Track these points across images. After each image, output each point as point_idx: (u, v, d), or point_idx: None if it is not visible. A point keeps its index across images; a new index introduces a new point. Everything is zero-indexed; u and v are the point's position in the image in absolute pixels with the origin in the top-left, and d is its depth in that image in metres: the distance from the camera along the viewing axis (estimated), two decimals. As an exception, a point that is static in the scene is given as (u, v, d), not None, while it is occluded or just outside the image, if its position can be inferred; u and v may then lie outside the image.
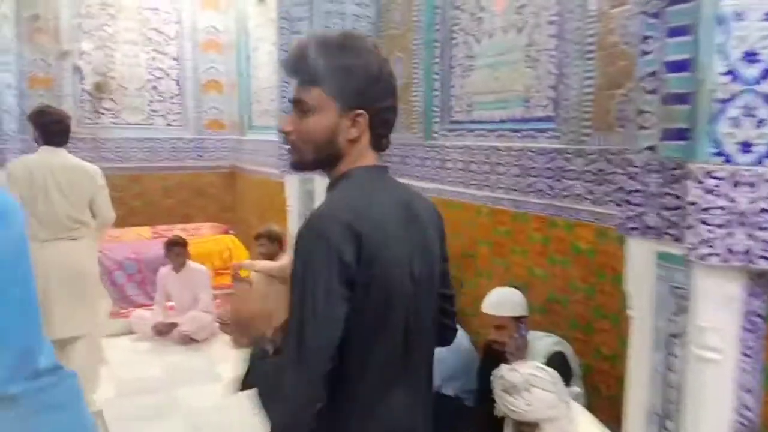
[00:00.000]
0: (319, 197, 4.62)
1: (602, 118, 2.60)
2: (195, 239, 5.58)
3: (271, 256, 4.07)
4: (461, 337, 3.03)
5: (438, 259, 1.22)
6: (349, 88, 1.12)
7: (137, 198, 6.28)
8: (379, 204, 1.11)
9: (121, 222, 6.08)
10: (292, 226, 4.77)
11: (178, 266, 4.63)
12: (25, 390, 0.92)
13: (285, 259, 1.24)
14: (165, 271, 4.70)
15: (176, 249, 4.58)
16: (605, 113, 2.58)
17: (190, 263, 4.72)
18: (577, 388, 2.10)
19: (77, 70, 5.98)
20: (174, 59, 6.46)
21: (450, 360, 2.88)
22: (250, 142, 6.16)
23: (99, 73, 6.09)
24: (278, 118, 4.78)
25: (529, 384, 1.87)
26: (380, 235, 1.07)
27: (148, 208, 6.33)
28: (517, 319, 2.57)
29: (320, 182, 4.58)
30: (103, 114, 6.16)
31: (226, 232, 6.10)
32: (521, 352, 2.48)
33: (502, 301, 2.61)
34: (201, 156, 6.63)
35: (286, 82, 4.65)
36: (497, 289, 2.74)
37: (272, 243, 4.23)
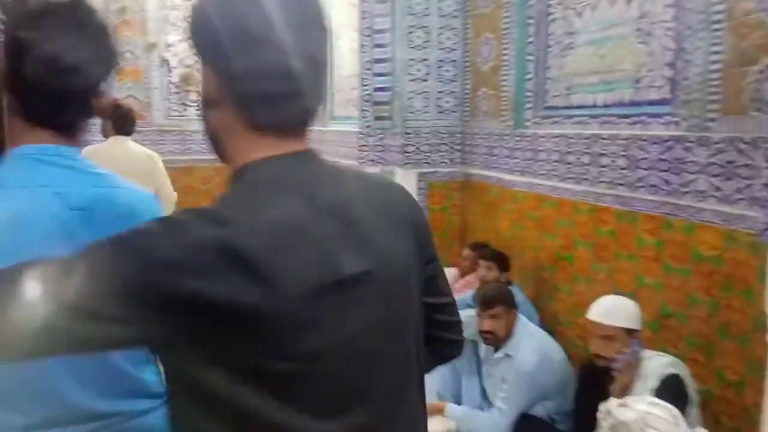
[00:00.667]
0: (400, 190, 4.37)
1: (732, 100, 2.23)
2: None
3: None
4: (552, 348, 2.70)
5: (414, 268, 0.88)
6: None
7: (220, 190, 6.28)
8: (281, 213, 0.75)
9: None
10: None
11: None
12: (116, 410, 0.91)
13: None
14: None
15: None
16: (736, 94, 2.21)
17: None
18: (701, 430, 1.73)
19: (164, 62, 6.05)
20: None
21: (540, 376, 2.55)
22: (331, 133, 6.00)
23: (185, 65, 6.14)
24: (360, 106, 4.56)
25: (645, 424, 1.53)
26: (275, 257, 0.71)
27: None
28: (629, 333, 2.22)
29: (401, 175, 4.33)
30: (189, 106, 6.21)
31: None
32: (631, 371, 2.14)
33: (614, 309, 2.29)
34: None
35: (368, 70, 4.43)
36: (608, 296, 2.39)
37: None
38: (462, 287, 3.90)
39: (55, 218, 0.91)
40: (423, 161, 4.35)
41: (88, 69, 0.94)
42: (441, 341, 0.98)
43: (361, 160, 4.52)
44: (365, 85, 4.47)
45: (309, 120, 0.81)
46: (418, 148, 4.34)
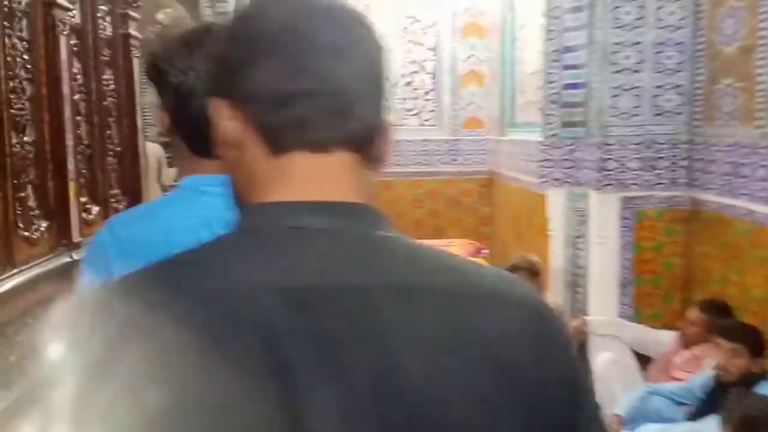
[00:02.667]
0: (595, 221, 3.28)
1: None
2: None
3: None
4: None
5: None
6: None
7: (387, 207, 5.60)
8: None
9: None
10: (555, 258, 3.53)
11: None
12: None
13: None
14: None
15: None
16: None
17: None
18: None
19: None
20: (430, 50, 5.68)
21: None
22: (510, 143, 5.03)
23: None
24: (544, 109, 3.56)
25: None
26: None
27: (397, 220, 5.64)
28: None
29: (597, 199, 3.24)
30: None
31: (479, 252, 5.07)
32: None
33: None
34: (455, 160, 5.79)
35: (556, 62, 3.41)
36: None
37: (531, 279, 3.17)
38: (686, 363, 2.77)
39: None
40: (629, 182, 3.20)
41: None
42: None
43: (543, 180, 3.51)
44: (551, 82, 3.45)
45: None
46: (622, 164, 3.20)
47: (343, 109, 0.51)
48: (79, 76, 2.02)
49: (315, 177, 0.52)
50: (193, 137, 0.95)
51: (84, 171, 2.04)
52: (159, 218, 0.96)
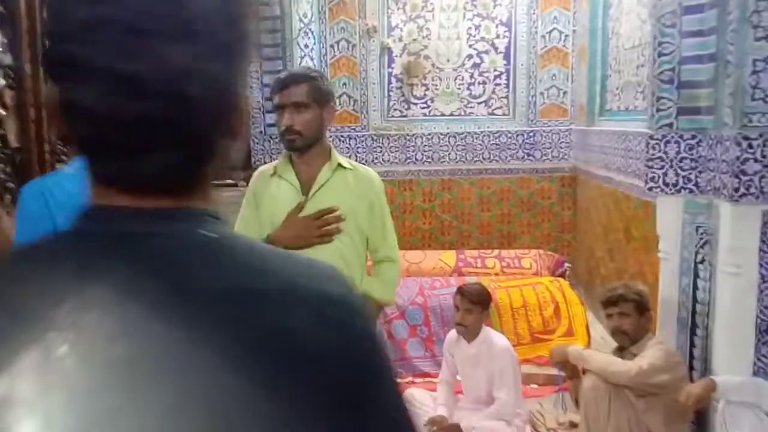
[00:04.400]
0: (725, 242, 2.42)
1: None
2: (507, 280, 3.87)
3: (630, 334, 2.52)
4: None
5: None
6: None
7: (447, 209, 4.93)
8: None
9: (423, 241, 4.99)
10: (666, 288, 2.69)
11: (469, 333, 2.97)
12: None
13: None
14: (453, 336, 3.09)
15: (465, 302, 2.93)
16: None
17: (489, 332, 3.00)
18: None
19: (385, 50, 4.86)
20: (503, 24, 4.86)
21: None
22: (601, 135, 4.12)
23: (411, 52, 4.86)
24: (650, 92, 2.70)
25: None
26: None
27: (458, 224, 4.93)
28: None
29: (729, 213, 2.38)
30: (413, 104, 4.93)
31: (559, 266, 4.22)
32: None
33: None
34: (531, 155, 4.95)
35: (670, 27, 2.54)
36: None
37: (639, 316, 2.52)
38: None
39: None
40: (779, 191, 2.30)
41: None
42: None
43: (651, 184, 2.65)
44: (664, 55, 2.58)
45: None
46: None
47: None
48: None
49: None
50: None
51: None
52: None
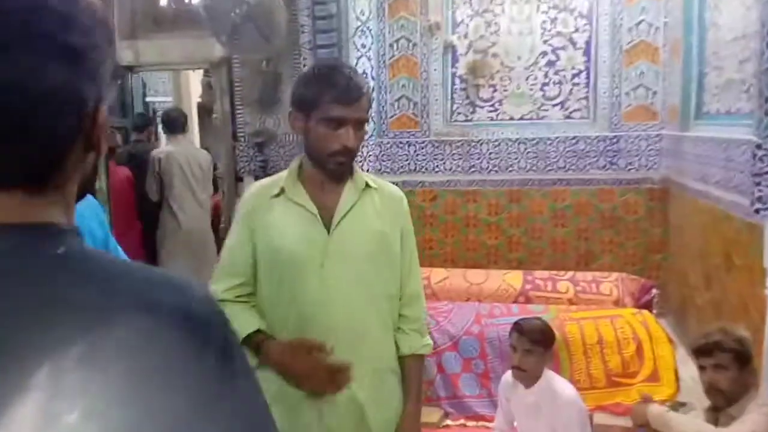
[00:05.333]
0: None
1: None
2: (579, 311, 3.36)
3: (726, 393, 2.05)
4: None
5: None
6: None
7: (515, 224, 4.48)
8: None
9: (487, 258, 4.57)
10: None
11: (528, 377, 2.52)
12: None
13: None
14: (509, 379, 2.65)
15: (523, 342, 2.48)
16: None
17: (553, 378, 2.53)
18: None
19: (449, 48, 4.48)
20: (583, 17, 4.35)
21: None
22: (697, 142, 3.55)
23: (477, 50, 4.45)
24: (757, 92, 2.18)
25: None
26: None
27: (528, 241, 4.46)
28: None
29: None
30: (479, 107, 4.51)
31: (646, 294, 3.66)
32: None
33: None
34: (614, 163, 4.40)
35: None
36: None
37: (740, 368, 2.05)
38: None
39: None
40: None
41: None
42: None
43: (759, 206, 2.12)
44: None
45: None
46: None
47: None
48: None
49: None
50: None
51: None
52: None
